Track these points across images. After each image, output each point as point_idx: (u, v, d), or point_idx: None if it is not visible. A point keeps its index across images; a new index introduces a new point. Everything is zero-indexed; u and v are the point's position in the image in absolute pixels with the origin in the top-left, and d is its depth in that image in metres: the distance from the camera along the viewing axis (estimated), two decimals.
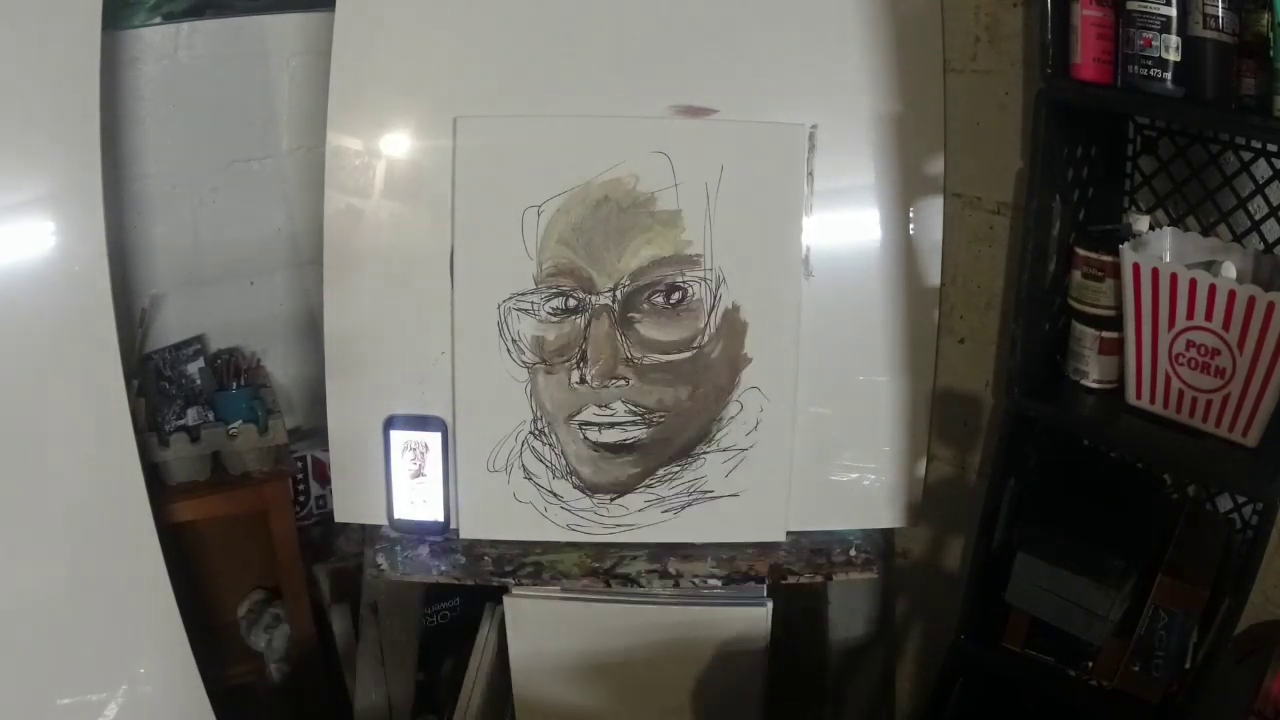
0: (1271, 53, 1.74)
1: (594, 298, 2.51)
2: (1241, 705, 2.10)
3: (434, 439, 2.59)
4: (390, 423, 2.60)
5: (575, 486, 2.62)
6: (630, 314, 2.52)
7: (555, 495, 2.63)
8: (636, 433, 2.60)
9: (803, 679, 2.99)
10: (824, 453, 2.64)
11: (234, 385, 2.90)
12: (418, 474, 2.61)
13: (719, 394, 2.58)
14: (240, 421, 2.78)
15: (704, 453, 2.61)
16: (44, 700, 2.38)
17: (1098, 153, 2.25)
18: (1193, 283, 1.97)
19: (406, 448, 2.61)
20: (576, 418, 2.59)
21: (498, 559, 2.63)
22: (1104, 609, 2.22)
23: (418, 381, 2.59)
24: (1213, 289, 1.95)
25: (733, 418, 2.59)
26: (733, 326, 2.54)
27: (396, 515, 2.64)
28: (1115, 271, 2.11)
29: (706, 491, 2.63)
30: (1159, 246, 2.14)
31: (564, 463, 2.61)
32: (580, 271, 2.50)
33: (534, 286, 2.51)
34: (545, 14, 2.50)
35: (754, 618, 2.63)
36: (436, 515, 2.63)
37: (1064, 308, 2.29)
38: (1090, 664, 2.33)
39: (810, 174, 2.49)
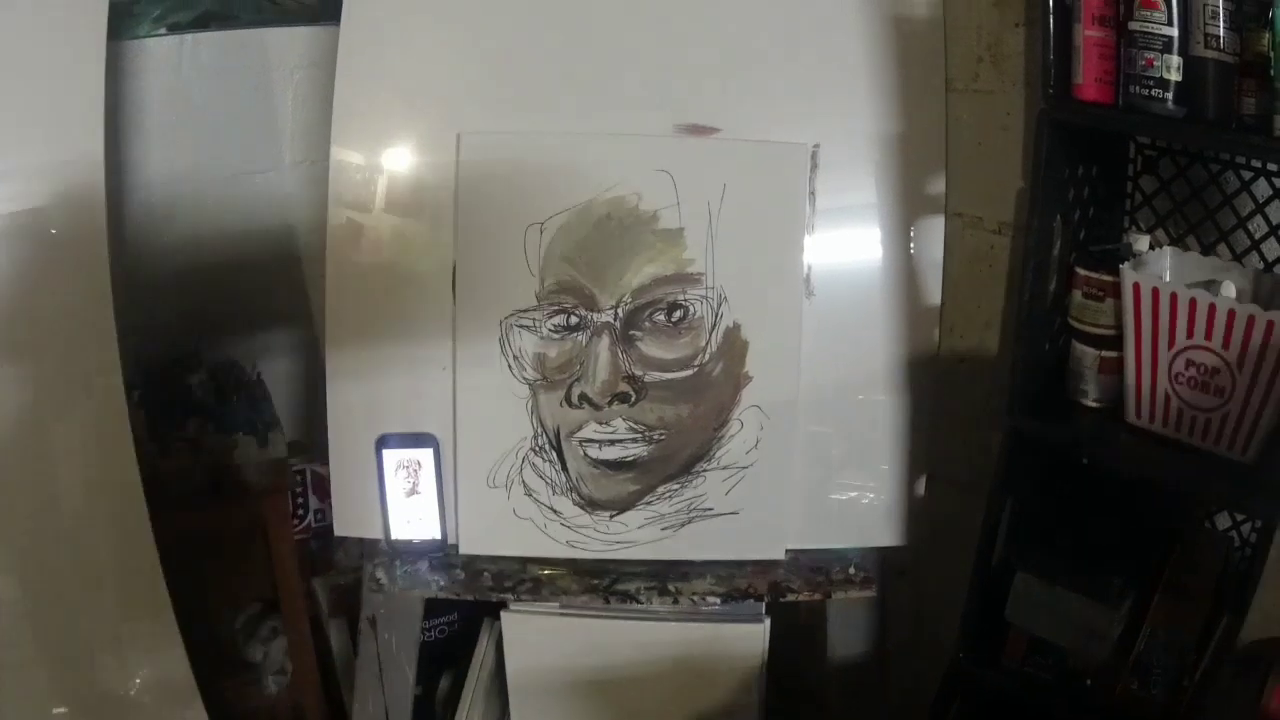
0: (1272, 72, 1.75)
1: (596, 315, 2.51)
2: None
3: (426, 456, 2.59)
4: (382, 442, 2.60)
5: (575, 503, 2.62)
6: (632, 332, 2.52)
7: (555, 512, 2.63)
8: (637, 450, 2.60)
9: (801, 696, 3.00)
10: (824, 471, 2.64)
11: (234, 397, 2.91)
12: (412, 492, 2.61)
13: (719, 412, 2.58)
14: (240, 434, 2.78)
15: (704, 470, 2.61)
16: (41, 711, 2.38)
17: (1099, 172, 2.26)
18: (1193, 302, 1.98)
19: (400, 466, 2.60)
20: (577, 434, 2.58)
21: (497, 574, 2.62)
22: (1103, 627, 2.22)
23: (418, 397, 2.59)
24: (1212, 308, 1.96)
25: (733, 436, 2.59)
26: (734, 345, 2.54)
27: (394, 535, 2.63)
28: (1115, 291, 2.12)
29: (706, 509, 2.62)
30: (1159, 266, 2.15)
31: (564, 479, 2.61)
32: (582, 289, 2.50)
33: (536, 303, 2.51)
34: (550, 32, 2.51)
35: (752, 635, 2.62)
36: (434, 533, 2.63)
37: (1064, 327, 2.29)
38: (1089, 682, 2.34)
39: (812, 193, 2.50)
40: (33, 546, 2.34)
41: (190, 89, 2.81)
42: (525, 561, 2.66)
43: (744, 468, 2.61)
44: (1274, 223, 2.12)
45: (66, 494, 2.36)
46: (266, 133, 2.96)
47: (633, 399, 2.55)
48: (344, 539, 2.79)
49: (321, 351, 2.60)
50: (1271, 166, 2.09)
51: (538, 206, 2.48)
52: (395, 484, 2.60)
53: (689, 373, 2.56)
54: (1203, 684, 2.18)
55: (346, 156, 2.51)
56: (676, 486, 2.61)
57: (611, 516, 2.63)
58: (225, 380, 2.95)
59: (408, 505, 2.62)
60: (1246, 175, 2.13)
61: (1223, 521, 2.38)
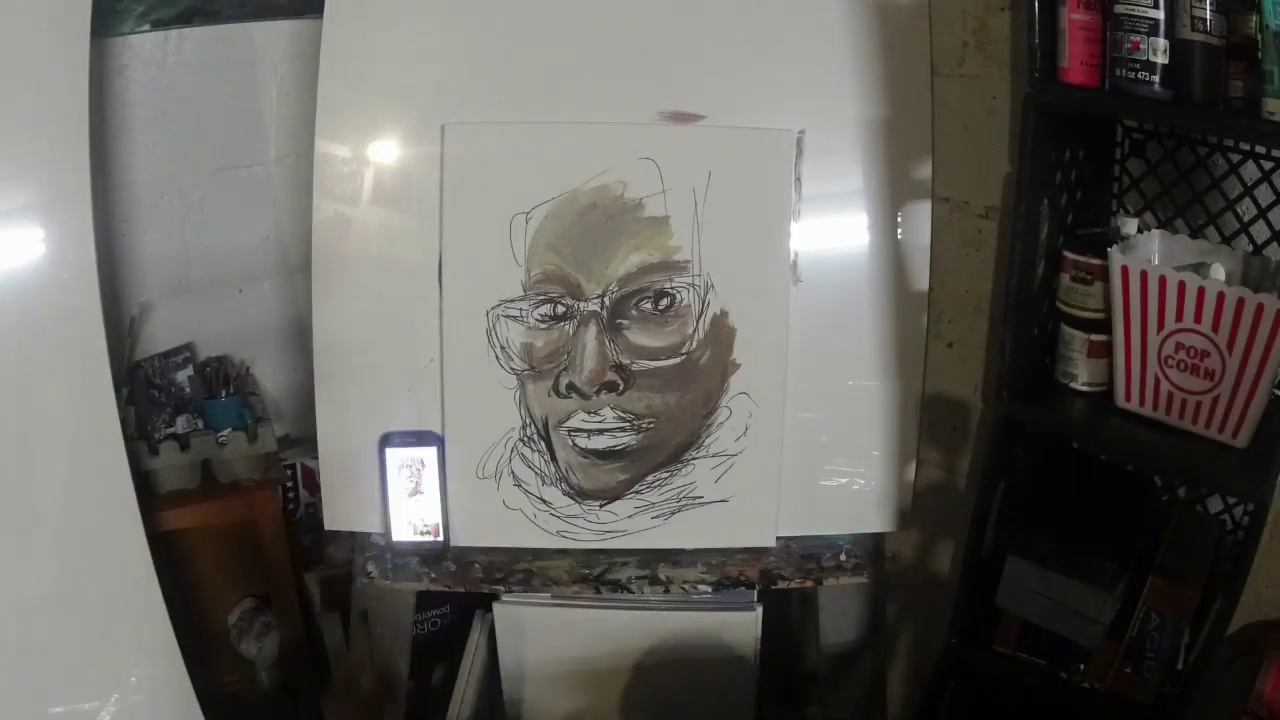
0: (1260, 55, 1.74)
1: (582, 304, 2.51)
2: (1234, 706, 2.10)
3: (430, 454, 2.58)
4: (386, 440, 2.59)
5: (565, 493, 2.62)
6: (619, 320, 2.52)
7: (545, 502, 2.63)
8: (625, 439, 2.59)
9: (794, 684, 2.99)
10: (813, 457, 2.64)
11: (223, 393, 2.90)
12: (414, 492, 2.60)
13: (708, 400, 2.58)
14: (229, 429, 2.77)
15: (693, 458, 2.61)
16: (36, 709, 2.37)
17: (1086, 156, 2.26)
18: (1181, 285, 1.98)
19: (403, 465, 2.59)
20: (566, 424, 2.58)
21: (488, 566, 2.62)
22: (1095, 611, 2.22)
23: (406, 389, 2.59)
24: (1201, 291, 1.96)
25: (721, 423, 2.59)
26: (721, 332, 2.54)
27: (396, 537, 2.63)
28: (1104, 275, 2.12)
29: (696, 497, 2.62)
30: (1147, 249, 2.15)
31: (553, 469, 2.61)
32: (568, 278, 2.49)
33: (522, 293, 2.51)
34: (533, 21, 2.50)
35: (744, 623, 2.63)
36: (435, 534, 2.62)
37: (1052, 311, 2.29)
38: (1082, 666, 2.33)
39: (798, 179, 2.49)
40: (23, 545, 2.33)
41: (175, 84, 2.80)
42: (516, 552, 2.66)
43: (733, 455, 2.61)
44: (1263, 205, 2.12)
45: (57, 493, 2.35)
46: (252, 127, 2.95)
47: (620, 388, 2.55)
48: (335, 533, 2.79)
49: (309, 345, 2.59)
50: (1259, 149, 2.08)
51: (523, 196, 2.47)
52: (398, 484, 2.59)
53: (677, 361, 2.56)
54: (1196, 667, 2.18)
55: (331, 149, 2.50)
56: (666, 475, 2.61)
57: (601, 506, 2.62)
58: (214, 376, 2.94)
59: (410, 506, 2.61)
60: (1235, 158, 2.12)
61: (1214, 504, 2.38)
